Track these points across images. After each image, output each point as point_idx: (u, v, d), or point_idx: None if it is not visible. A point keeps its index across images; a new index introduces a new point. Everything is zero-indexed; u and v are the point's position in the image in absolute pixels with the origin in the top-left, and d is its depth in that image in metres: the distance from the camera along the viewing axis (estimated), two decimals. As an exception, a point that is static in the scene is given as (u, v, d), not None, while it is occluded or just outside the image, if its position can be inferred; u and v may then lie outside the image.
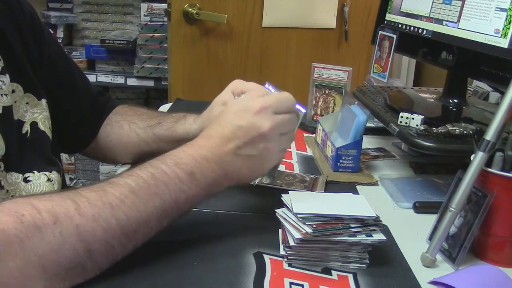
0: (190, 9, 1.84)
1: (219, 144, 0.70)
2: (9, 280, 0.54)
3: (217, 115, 0.77)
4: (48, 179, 0.81)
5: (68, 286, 0.58)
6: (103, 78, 2.42)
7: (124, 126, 0.98)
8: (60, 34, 2.40)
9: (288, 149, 1.13)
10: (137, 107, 1.04)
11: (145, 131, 0.96)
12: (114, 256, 0.62)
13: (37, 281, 0.56)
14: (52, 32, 2.34)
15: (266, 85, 0.82)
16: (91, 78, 2.32)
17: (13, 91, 0.78)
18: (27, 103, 0.81)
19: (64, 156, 2.45)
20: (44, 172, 0.80)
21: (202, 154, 0.69)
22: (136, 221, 0.63)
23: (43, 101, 0.83)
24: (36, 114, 0.82)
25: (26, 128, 0.80)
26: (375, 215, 0.69)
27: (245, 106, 0.73)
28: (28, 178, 0.78)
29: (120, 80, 2.43)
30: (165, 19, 2.13)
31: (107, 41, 2.34)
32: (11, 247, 0.54)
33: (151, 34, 2.36)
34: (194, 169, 0.68)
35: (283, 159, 1.06)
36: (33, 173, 0.79)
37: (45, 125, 0.83)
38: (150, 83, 2.42)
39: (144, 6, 2.38)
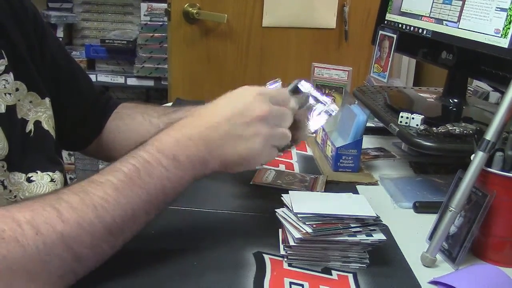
0: (190, 9, 1.84)
1: (209, 121, 0.69)
2: None
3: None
4: (52, 180, 0.80)
5: None
6: (103, 78, 2.41)
7: (137, 116, 0.96)
8: (60, 34, 2.38)
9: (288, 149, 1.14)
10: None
11: (160, 118, 0.94)
12: (104, 256, 0.61)
13: None
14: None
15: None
16: (91, 78, 2.30)
17: (16, 90, 0.78)
18: (30, 102, 0.80)
19: (64, 156, 2.45)
20: (48, 172, 0.80)
21: (186, 134, 0.67)
22: (122, 219, 0.61)
23: (47, 99, 0.83)
24: (40, 113, 0.81)
25: (30, 127, 0.79)
26: (375, 215, 0.69)
27: (242, 91, 0.73)
28: (31, 178, 0.78)
29: (120, 80, 2.42)
30: (165, 19, 2.12)
31: (107, 41, 2.33)
32: None
33: (151, 34, 2.36)
34: (177, 152, 0.66)
35: (283, 160, 1.07)
36: (36, 173, 0.78)
37: (48, 124, 0.82)
38: (150, 83, 2.41)
39: (144, 6, 2.38)
